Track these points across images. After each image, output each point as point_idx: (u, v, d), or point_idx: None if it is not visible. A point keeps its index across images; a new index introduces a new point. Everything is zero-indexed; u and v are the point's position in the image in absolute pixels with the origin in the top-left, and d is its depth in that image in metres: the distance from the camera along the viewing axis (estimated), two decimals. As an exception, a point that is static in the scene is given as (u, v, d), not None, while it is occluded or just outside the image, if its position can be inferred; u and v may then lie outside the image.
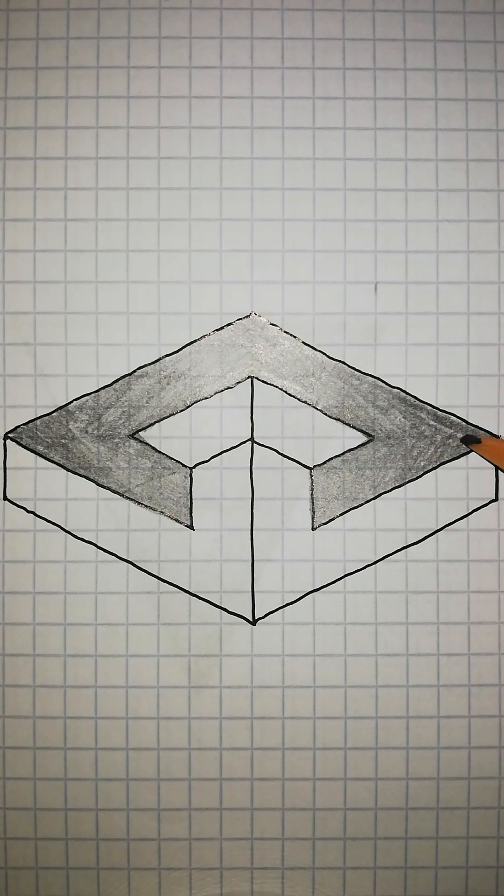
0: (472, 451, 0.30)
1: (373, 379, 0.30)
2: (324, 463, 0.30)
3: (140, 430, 0.30)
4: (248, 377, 0.30)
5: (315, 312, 0.30)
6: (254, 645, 0.30)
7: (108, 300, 0.30)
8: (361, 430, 0.30)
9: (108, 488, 0.30)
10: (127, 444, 0.30)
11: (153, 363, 0.30)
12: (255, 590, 0.30)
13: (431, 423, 0.30)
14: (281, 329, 0.30)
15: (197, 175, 0.30)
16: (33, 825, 0.30)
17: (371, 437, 0.30)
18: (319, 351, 0.30)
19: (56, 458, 0.30)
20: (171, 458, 0.30)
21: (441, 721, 0.30)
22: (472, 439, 0.29)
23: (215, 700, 0.30)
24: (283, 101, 0.30)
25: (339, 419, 0.30)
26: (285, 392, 0.30)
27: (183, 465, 0.30)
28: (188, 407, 0.30)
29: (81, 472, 0.30)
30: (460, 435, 0.30)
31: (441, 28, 0.30)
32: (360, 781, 0.30)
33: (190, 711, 0.30)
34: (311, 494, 0.30)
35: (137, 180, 0.30)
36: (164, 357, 0.30)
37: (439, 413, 0.30)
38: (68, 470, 0.30)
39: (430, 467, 0.30)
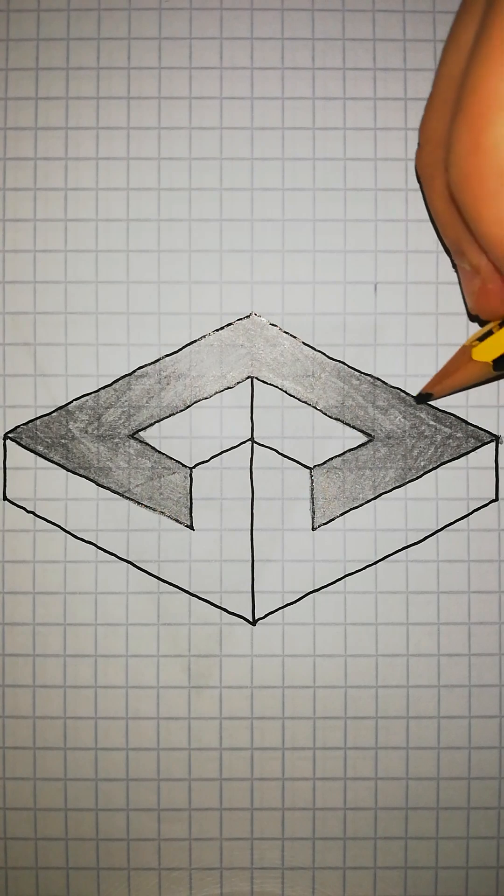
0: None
1: (372, 379, 0.30)
2: (324, 463, 0.30)
3: (140, 430, 0.30)
4: (248, 377, 0.30)
5: (315, 312, 0.30)
6: (254, 645, 0.30)
7: (108, 300, 0.30)
8: (361, 430, 0.30)
9: (108, 488, 0.30)
10: (127, 444, 0.30)
11: (153, 363, 0.30)
12: (255, 590, 0.30)
13: (431, 423, 0.30)
14: (281, 329, 0.30)
15: (197, 175, 0.30)
16: (33, 825, 0.30)
17: (371, 437, 0.30)
18: (319, 351, 0.30)
19: (56, 458, 0.30)
20: (171, 458, 0.30)
21: (441, 721, 0.30)
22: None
23: (215, 700, 0.30)
24: (283, 102, 0.30)
25: (339, 419, 0.30)
26: (285, 392, 0.30)
27: (183, 465, 0.30)
28: (188, 407, 0.30)
29: (81, 472, 0.30)
30: (460, 434, 0.30)
31: (441, 28, 0.30)
32: (360, 781, 0.30)
33: (190, 711, 0.30)
34: (311, 494, 0.30)
35: (138, 181, 0.30)
36: (164, 357, 0.30)
37: (439, 413, 0.30)
38: (68, 470, 0.30)
39: (430, 467, 0.30)
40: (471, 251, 0.24)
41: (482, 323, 0.30)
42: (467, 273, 0.26)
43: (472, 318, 0.30)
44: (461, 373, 0.28)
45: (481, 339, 0.27)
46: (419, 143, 0.25)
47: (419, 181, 0.27)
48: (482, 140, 0.19)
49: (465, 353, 0.27)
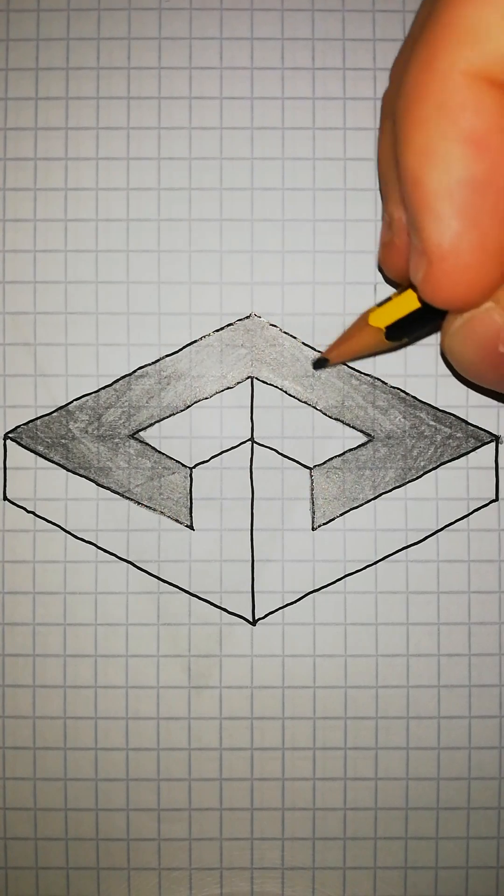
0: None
1: (372, 379, 0.30)
2: (324, 463, 0.30)
3: (140, 430, 0.30)
4: (248, 377, 0.30)
5: (315, 313, 0.30)
6: (254, 645, 0.30)
7: (108, 300, 0.30)
8: (361, 431, 0.30)
9: (108, 488, 0.30)
10: (127, 444, 0.30)
11: (153, 363, 0.30)
12: (255, 590, 0.30)
13: (431, 423, 0.30)
14: (281, 329, 0.30)
15: (197, 175, 0.30)
16: (33, 825, 0.30)
17: (371, 437, 0.30)
18: (319, 351, 0.30)
19: (56, 458, 0.30)
20: (171, 458, 0.30)
21: (441, 721, 0.30)
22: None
23: (215, 700, 0.30)
24: (283, 102, 0.30)
25: (339, 419, 0.30)
26: (285, 392, 0.30)
27: (183, 465, 0.30)
28: (188, 407, 0.30)
29: (81, 472, 0.30)
30: (460, 434, 0.30)
31: (441, 28, 0.30)
32: (360, 781, 0.30)
33: (190, 711, 0.30)
34: (311, 494, 0.30)
35: (138, 181, 0.30)
36: (164, 357, 0.30)
37: (439, 413, 0.30)
38: (68, 470, 0.30)
39: (430, 467, 0.30)
40: (392, 198, 0.24)
41: (393, 284, 0.29)
42: (384, 223, 0.25)
43: (381, 273, 0.29)
44: (357, 338, 0.27)
45: (381, 304, 0.26)
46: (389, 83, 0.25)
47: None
48: (435, 64, 0.18)
49: (363, 318, 0.26)
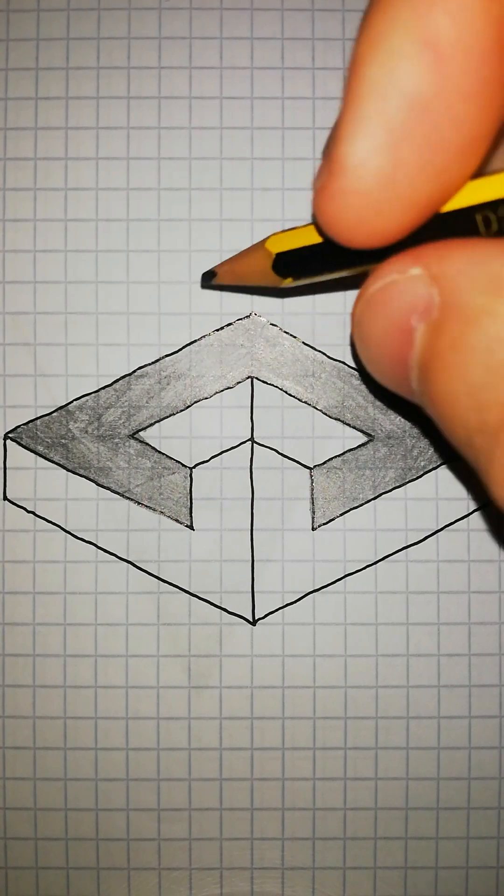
0: None
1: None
2: (324, 463, 0.30)
3: (140, 430, 0.30)
4: (248, 377, 0.30)
5: (315, 312, 0.30)
6: (254, 645, 0.30)
7: (108, 300, 0.30)
8: (361, 430, 0.30)
9: (108, 488, 0.30)
10: (127, 444, 0.30)
11: (153, 363, 0.30)
12: (255, 590, 0.30)
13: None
14: (281, 329, 0.30)
15: (197, 175, 0.30)
16: (33, 825, 0.30)
17: (371, 437, 0.30)
18: (319, 351, 0.30)
19: (56, 458, 0.30)
20: (171, 458, 0.30)
21: (441, 721, 0.30)
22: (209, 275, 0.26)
23: (215, 700, 0.30)
24: (283, 102, 0.30)
25: (339, 419, 0.30)
26: (285, 392, 0.30)
27: (183, 465, 0.30)
28: (188, 407, 0.30)
29: (81, 472, 0.30)
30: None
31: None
32: (360, 781, 0.30)
33: (190, 711, 0.30)
34: (311, 494, 0.30)
35: (138, 181, 0.30)
36: (164, 357, 0.30)
37: (439, 413, 0.30)
38: (68, 470, 0.30)
39: (430, 467, 0.30)
40: None
41: None
42: None
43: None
44: (247, 258, 0.24)
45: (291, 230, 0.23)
46: None
47: None
48: None
49: (265, 239, 0.23)
